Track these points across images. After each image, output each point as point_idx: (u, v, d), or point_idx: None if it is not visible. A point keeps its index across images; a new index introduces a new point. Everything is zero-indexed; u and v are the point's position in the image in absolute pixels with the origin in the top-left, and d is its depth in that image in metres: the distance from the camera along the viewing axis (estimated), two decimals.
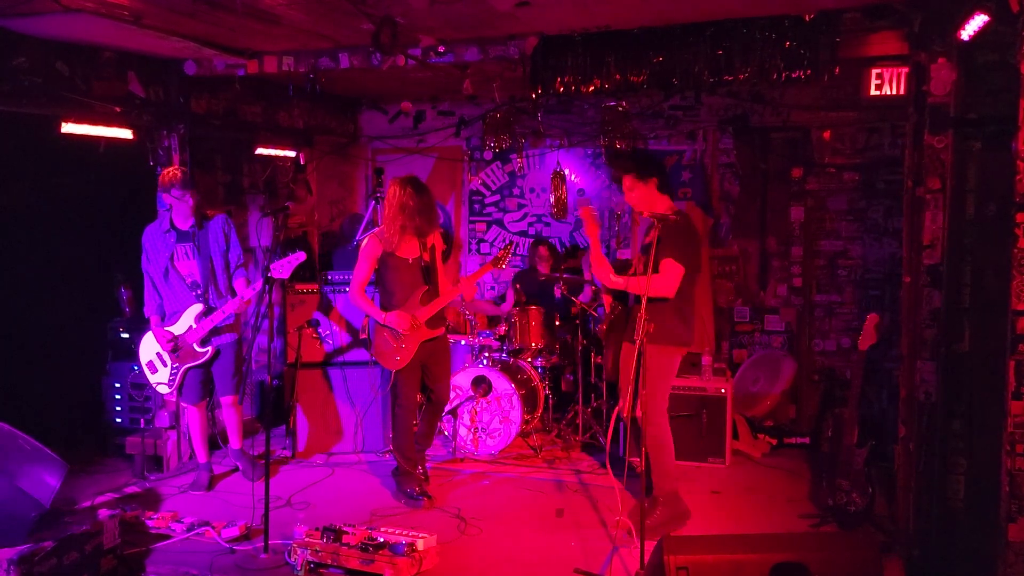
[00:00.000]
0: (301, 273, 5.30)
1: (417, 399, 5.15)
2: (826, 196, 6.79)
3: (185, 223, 5.13)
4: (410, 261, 4.98)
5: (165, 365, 5.16)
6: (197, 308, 5.06)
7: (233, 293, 5.17)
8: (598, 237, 4.63)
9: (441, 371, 5.17)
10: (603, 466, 5.65)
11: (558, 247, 7.52)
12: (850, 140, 6.69)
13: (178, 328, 5.12)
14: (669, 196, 4.72)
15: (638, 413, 4.24)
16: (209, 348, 5.10)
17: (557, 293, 6.70)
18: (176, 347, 5.09)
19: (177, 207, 5.09)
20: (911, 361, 4.24)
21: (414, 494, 5.04)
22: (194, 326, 5.06)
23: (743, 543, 3.65)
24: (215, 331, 5.10)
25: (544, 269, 6.92)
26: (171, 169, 5.13)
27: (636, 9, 4.52)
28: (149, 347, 5.22)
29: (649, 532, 4.12)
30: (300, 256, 4.73)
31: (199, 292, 5.09)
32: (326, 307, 5.96)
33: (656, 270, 4.26)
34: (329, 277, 6.01)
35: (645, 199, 4.61)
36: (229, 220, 5.27)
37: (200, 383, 5.25)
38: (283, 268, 4.64)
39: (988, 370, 3.76)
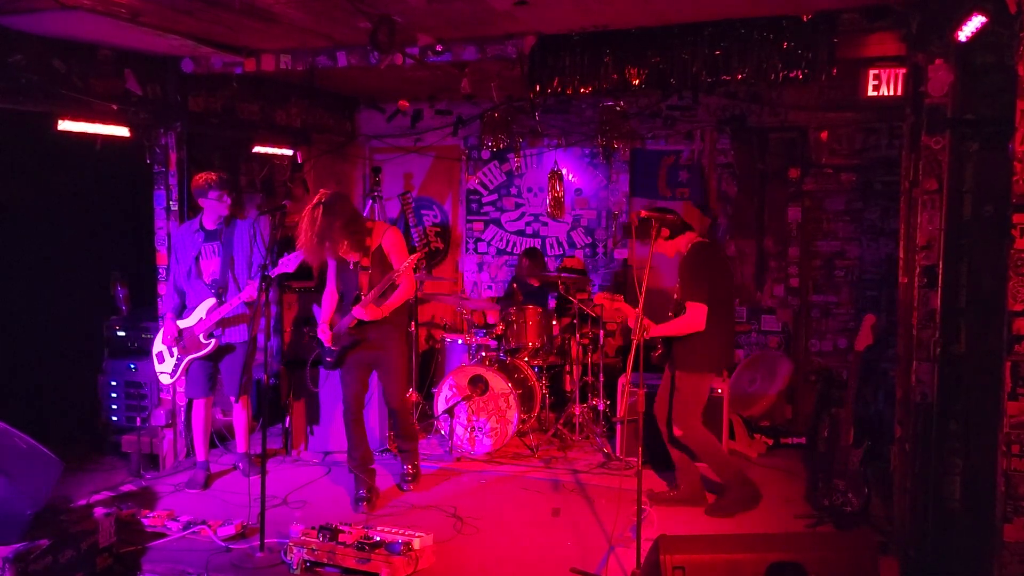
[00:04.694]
0: (299, 271, 5.32)
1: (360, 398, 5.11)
2: (823, 197, 6.80)
3: (213, 223, 5.21)
4: (351, 266, 4.91)
5: (172, 356, 5.23)
6: (211, 302, 5.11)
7: None
8: (632, 314, 4.57)
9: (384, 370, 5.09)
10: (600, 466, 5.66)
11: (550, 248, 7.54)
12: (847, 141, 6.70)
13: (187, 322, 5.18)
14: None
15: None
16: (213, 340, 5.12)
17: (552, 304, 6.71)
18: (179, 339, 5.15)
19: (212, 208, 5.17)
20: (907, 362, 4.25)
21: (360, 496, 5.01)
22: (204, 318, 5.12)
23: (739, 543, 3.66)
24: (223, 322, 5.12)
25: (533, 280, 6.90)
26: (204, 173, 5.17)
27: (634, 9, 4.52)
28: (161, 338, 5.32)
29: (722, 512, 4.75)
30: None
31: (216, 291, 5.14)
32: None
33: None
34: None
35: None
36: (257, 223, 5.31)
37: (207, 377, 5.28)
38: (290, 262, 4.68)
39: (984, 371, 3.76)
